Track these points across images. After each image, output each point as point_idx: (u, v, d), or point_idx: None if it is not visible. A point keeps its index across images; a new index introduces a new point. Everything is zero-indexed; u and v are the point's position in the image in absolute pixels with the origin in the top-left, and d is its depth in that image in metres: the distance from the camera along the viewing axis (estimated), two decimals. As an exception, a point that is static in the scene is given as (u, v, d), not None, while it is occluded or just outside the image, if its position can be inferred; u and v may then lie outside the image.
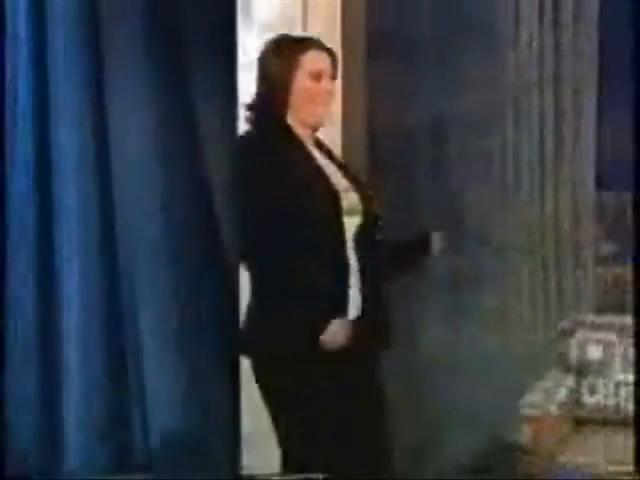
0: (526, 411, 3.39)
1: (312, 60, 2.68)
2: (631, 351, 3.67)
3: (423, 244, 2.84)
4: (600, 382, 3.70)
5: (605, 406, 3.69)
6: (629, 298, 4.72)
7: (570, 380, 3.70)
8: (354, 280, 2.66)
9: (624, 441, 3.43)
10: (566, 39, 4.26)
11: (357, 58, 3.68)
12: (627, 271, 4.85)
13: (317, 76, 2.66)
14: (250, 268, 2.67)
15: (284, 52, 2.69)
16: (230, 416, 3.78)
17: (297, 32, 3.55)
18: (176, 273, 4.08)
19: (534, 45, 4.25)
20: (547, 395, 3.54)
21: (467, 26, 4.23)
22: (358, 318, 2.66)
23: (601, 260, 4.85)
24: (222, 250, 3.96)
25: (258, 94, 2.70)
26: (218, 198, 3.97)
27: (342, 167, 2.77)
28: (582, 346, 3.76)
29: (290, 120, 2.69)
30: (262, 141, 2.66)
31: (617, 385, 3.69)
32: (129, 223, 4.11)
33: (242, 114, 2.77)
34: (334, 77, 2.72)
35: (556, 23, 4.26)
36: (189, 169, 4.04)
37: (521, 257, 4.28)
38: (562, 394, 3.60)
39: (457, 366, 4.11)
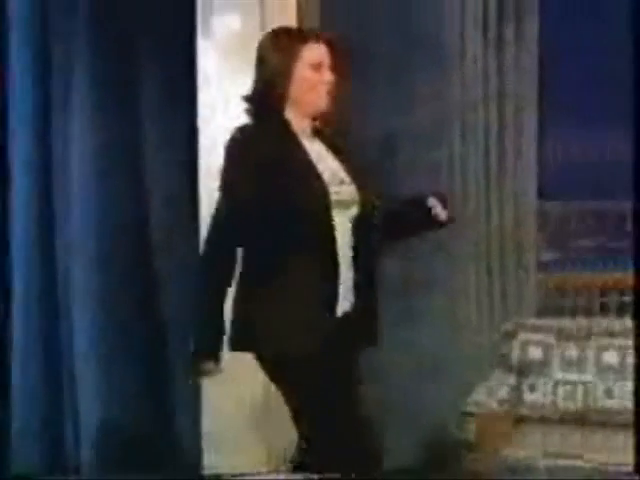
0: (471, 409, 3.41)
1: (311, 51, 2.63)
2: (568, 352, 3.73)
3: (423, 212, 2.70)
4: (540, 381, 3.71)
5: (544, 404, 3.69)
6: (568, 302, 4.81)
7: (512, 379, 3.71)
8: (346, 273, 2.59)
9: (561, 436, 3.50)
10: (509, 56, 4.31)
11: None
12: (566, 276, 4.96)
13: (317, 67, 2.62)
14: (242, 261, 2.60)
15: (283, 44, 2.64)
16: (192, 416, 3.73)
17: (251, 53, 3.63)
18: (109, 278, 3.98)
19: (479, 62, 4.29)
20: (490, 394, 3.55)
21: (416, 43, 4.25)
22: (348, 314, 2.60)
23: (542, 266, 4.96)
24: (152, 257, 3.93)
25: (256, 86, 2.64)
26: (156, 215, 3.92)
27: (342, 156, 2.69)
28: (523, 347, 3.77)
29: (289, 111, 2.63)
30: (256, 133, 2.60)
31: (555, 384, 3.71)
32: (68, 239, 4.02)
33: (241, 106, 2.67)
34: (333, 68, 2.66)
35: (499, 40, 4.31)
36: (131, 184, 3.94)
37: (468, 263, 4.31)
38: (504, 393, 3.62)
39: (408, 365, 4.12)
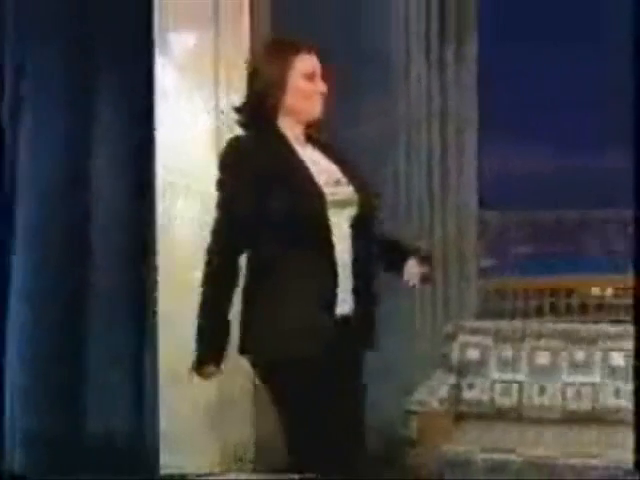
0: (413, 407, 3.40)
1: (304, 61, 2.58)
2: (504, 352, 3.75)
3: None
4: (478, 380, 3.72)
5: (481, 401, 3.71)
6: (508, 305, 4.88)
7: (452, 379, 3.72)
8: (344, 276, 2.52)
9: (497, 432, 3.53)
10: (450, 76, 4.33)
11: None
12: (505, 280, 5.04)
13: (310, 76, 2.58)
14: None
15: (278, 54, 2.59)
16: (150, 417, 3.64)
17: (207, 68, 3.57)
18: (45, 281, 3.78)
19: (422, 82, 4.30)
20: (431, 392, 3.56)
21: (363, 61, 4.21)
22: (348, 317, 2.53)
23: (482, 272, 5.02)
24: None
25: (249, 97, 2.58)
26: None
27: (338, 160, 2.64)
28: (463, 348, 3.79)
29: (282, 119, 2.58)
30: (251, 143, 2.55)
31: (492, 383, 3.72)
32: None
33: (233, 117, 2.62)
34: (324, 78, 2.61)
35: (441, 61, 4.32)
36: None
37: None
38: (444, 391, 3.62)
39: None
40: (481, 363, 3.76)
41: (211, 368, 2.52)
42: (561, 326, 3.90)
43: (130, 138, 3.73)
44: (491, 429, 3.56)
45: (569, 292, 4.79)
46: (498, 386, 3.72)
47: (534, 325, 3.91)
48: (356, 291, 2.53)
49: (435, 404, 3.45)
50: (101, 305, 3.76)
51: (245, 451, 3.52)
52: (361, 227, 2.55)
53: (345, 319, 2.52)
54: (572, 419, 3.63)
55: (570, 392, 3.66)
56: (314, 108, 2.58)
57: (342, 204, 2.53)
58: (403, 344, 4.14)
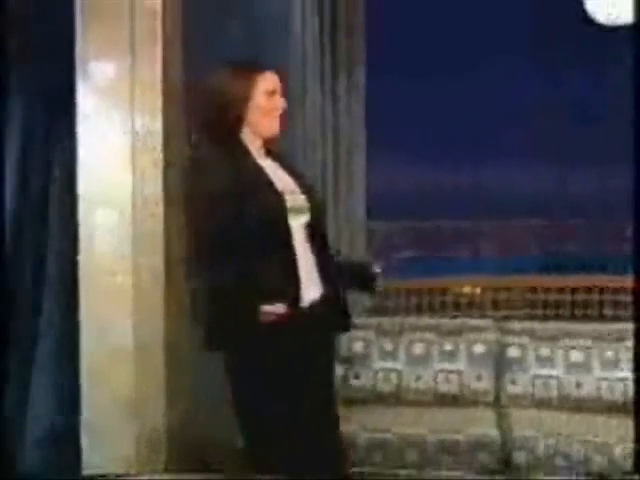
0: None
1: (266, 80, 2.57)
2: (385, 345, 3.87)
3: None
4: (362, 370, 3.83)
5: (365, 388, 3.81)
6: (392, 303, 5.04)
7: (340, 369, 3.78)
8: (307, 267, 2.52)
9: (378, 414, 3.63)
10: (342, 103, 4.51)
11: (178, 115, 3.59)
12: (390, 282, 5.19)
13: (271, 94, 2.56)
14: (205, 268, 2.52)
15: (243, 73, 2.56)
16: (71, 417, 3.54)
17: (125, 93, 3.59)
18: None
19: (317, 108, 4.46)
20: None
21: None
22: (318, 303, 2.53)
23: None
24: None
25: (211, 113, 2.54)
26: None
27: (291, 171, 2.66)
28: (349, 342, 3.87)
29: (244, 133, 2.55)
30: (216, 154, 2.51)
31: (375, 372, 3.82)
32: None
33: (192, 136, 2.62)
34: (282, 95, 2.61)
35: (334, 90, 4.52)
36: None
37: None
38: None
39: None
40: (365, 355, 3.85)
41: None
42: (433, 321, 4.06)
43: (55, 155, 3.74)
44: (373, 411, 3.66)
45: (444, 291, 5.00)
46: (380, 374, 3.82)
47: (411, 320, 4.04)
48: (324, 279, 2.55)
49: None
50: (23, 306, 3.72)
51: (159, 439, 3.53)
52: (313, 231, 2.59)
53: (316, 304, 2.53)
54: (442, 401, 3.78)
55: (440, 378, 3.81)
56: (273, 123, 2.59)
57: (298, 211, 2.55)
58: None
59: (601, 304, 4.66)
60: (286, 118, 2.63)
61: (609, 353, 3.77)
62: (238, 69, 2.58)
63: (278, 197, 2.51)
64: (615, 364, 3.76)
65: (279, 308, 2.45)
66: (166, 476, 3.40)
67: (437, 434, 3.41)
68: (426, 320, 4.10)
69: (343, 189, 4.55)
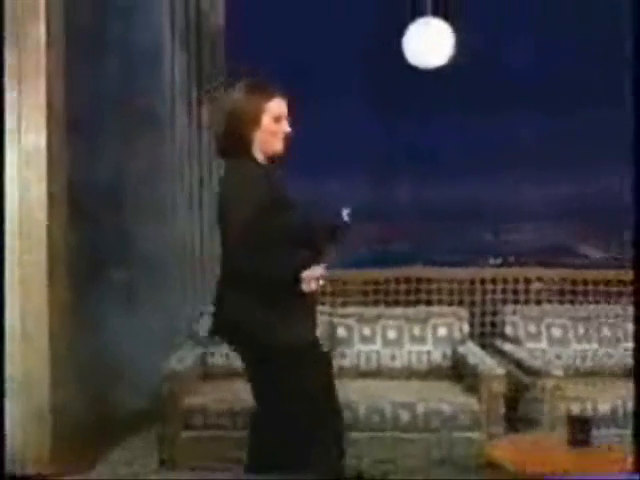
0: (165, 372, 3.44)
1: (275, 106, 2.49)
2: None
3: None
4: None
5: (222, 365, 3.82)
6: None
7: (199, 349, 3.83)
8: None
9: (235, 387, 3.49)
10: (205, 126, 4.52)
11: (60, 136, 3.65)
12: None
13: (278, 119, 2.49)
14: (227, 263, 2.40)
15: (255, 99, 2.46)
16: None
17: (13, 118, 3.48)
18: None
19: (185, 130, 4.48)
20: (180, 360, 3.61)
21: (140, 115, 4.39)
22: None
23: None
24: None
25: (227, 130, 2.46)
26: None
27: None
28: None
29: (253, 149, 2.48)
30: (238, 169, 2.43)
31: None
32: None
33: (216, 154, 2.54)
34: (288, 119, 2.53)
35: (199, 115, 4.51)
36: None
37: (179, 267, 4.46)
38: (191, 359, 3.70)
39: (126, 339, 4.18)
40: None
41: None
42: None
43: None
44: (231, 386, 3.58)
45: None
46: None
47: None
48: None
49: (182, 369, 3.50)
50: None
51: (42, 413, 3.51)
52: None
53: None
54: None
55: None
56: (278, 144, 2.51)
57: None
58: (166, 320, 4.28)
59: (417, 291, 4.87)
60: (289, 139, 2.56)
61: (416, 331, 3.99)
62: (251, 94, 2.48)
63: (293, 203, 2.46)
64: (421, 340, 3.98)
65: (318, 270, 2.36)
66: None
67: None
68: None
69: (206, 198, 4.55)
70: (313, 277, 2.35)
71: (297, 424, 2.40)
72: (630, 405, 3.46)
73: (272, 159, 2.54)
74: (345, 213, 2.48)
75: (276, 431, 2.42)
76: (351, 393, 3.50)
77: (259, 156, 2.50)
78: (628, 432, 3.36)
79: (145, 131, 4.40)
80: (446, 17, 4.34)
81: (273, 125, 2.48)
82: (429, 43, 4.14)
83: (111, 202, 4.35)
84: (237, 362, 3.57)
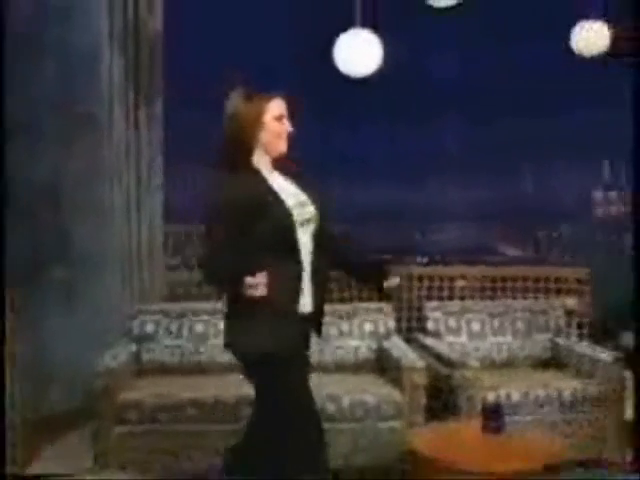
0: (99, 369, 3.33)
1: (276, 106, 2.41)
2: (170, 326, 3.77)
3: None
4: (153, 346, 3.75)
5: (155, 361, 3.75)
6: (184, 291, 4.97)
7: (133, 347, 3.72)
8: (308, 280, 2.35)
9: (167, 382, 3.51)
10: (143, 129, 4.38)
11: None
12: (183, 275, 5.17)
13: (280, 118, 2.41)
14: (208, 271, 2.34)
15: (255, 101, 2.39)
16: None
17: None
18: None
19: (122, 134, 4.35)
20: (114, 357, 3.51)
21: (79, 121, 4.24)
22: (308, 315, 2.37)
23: (171, 267, 5.18)
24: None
25: (228, 137, 2.37)
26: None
27: (300, 183, 2.46)
28: (142, 324, 3.78)
29: (257, 153, 2.39)
30: (232, 176, 2.34)
31: (163, 348, 3.75)
32: None
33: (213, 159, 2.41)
34: (289, 119, 2.44)
35: (136, 118, 4.38)
36: None
37: (116, 266, 4.33)
38: (125, 356, 3.59)
39: (65, 337, 4.07)
40: (155, 333, 3.78)
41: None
42: (212, 305, 3.93)
43: None
44: (163, 380, 3.57)
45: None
46: (166, 350, 3.76)
47: (195, 305, 3.96)
48: (315, 294, 2.38)
49: (116, 366, 3.41)
50: None
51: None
52: (319, 237, 2.41)
53: (306, 317, 2.38)
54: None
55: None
56: (282, 144, 2.43)
57: (307, 221, 2.39)
58: (104, 319, 4.17)
59: (348, 288, 4.83)
60: (291, 139, 2.47)
61: (344, 326, 3.91)
62: (250, 98, 2.41)
63: (286, 212, 2.34)
64: (349, 335, 3.90)
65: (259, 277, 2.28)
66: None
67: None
68: (205, 304, 3.98)
69: (144, 199, 4.45)
70: (255, 283, 2.28)
71: (282, 429, 2.35)
72: (541, 393, 3.51)
73: (276, 162, 2.45)
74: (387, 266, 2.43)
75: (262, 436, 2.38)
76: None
77: (261, 162, 2.40)
78: (539, 418, 3.46)
79: (84, 133, 4.27)
80: (375, 28, 4.31)
81: (276, 125, 2.40)
82: (358, 53, 4.10)
83: (50, 203, 4.21)
84: (170, 359, 3.73)
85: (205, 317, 3.85)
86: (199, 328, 3.83)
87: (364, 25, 4.21)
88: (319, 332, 2.49)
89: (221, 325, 3.52)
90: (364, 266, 2.51)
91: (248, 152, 2.38)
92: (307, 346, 2.47)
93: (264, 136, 2.39)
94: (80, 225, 4.26)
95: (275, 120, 2.40)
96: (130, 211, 4.40)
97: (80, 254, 4.29)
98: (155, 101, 4.47)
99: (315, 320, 2.44)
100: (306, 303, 2.37)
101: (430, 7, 4.27)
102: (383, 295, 2.66)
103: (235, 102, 2.39)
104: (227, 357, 3.53)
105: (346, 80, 4.28)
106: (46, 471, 3.36)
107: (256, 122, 2.37)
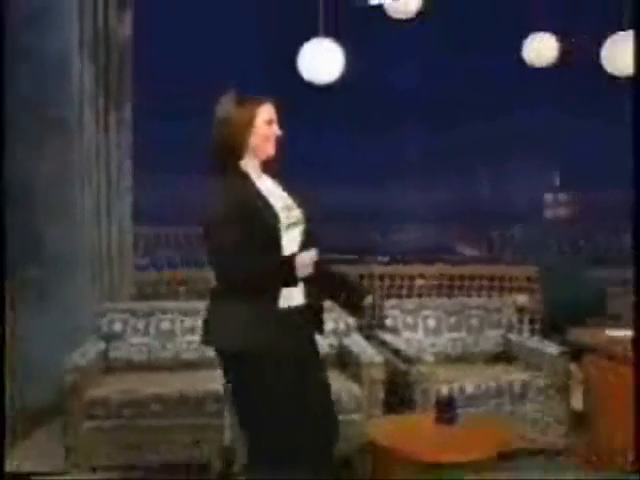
0: (67, 366, 3.32)
1: (266, 110, 2.38)
2: (137, 324, 3.76)
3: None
4: (120, 344, 3.76)
5: (123, 359, 3.73)
6: (154, 290, 4.97)
7: (102, 344, 3.71)
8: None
9: (135, 378, 3.52)
10: (112, 133, 4.38)
11: None
12: (156, 274, 5.20)
13: (269, 122, 2.38)
14: (215, 269, 2.29)
15: (247, 105, 2.35)
16: None
17: None
18: None
19: (93, 137, 4.34)
20: (83, 355, 3.50)
21: (49, 124, 4.17)
22: (301, 308, 2.34)
23: (140, 267, 5.18)
24: None
25: (218, 141, 2.33)
26: None
27: (287, 187, 2.45)
28: (110, 322, 3.79)
29: (246, 156, 2.36)
30: (224, 190, 2.30)
31: (130, 346, 3.76)
32: None
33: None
34: (278, 123, 2.42)
35: (106, 123, 4.39)
36: None
37: (87, 266, 4.30)
38: (94, 353, 3.59)
39: (36, 336, 4.04)
40: (123, 332, 3.79)
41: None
42: (179, 304, 4.02)
43: None
44: (130, 377, 3.59)
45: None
46: (134, 348, 3.77)
47: (163, 304, 3.97)
48: (307, 287, 2.34)
49: (84, 363, 3.40)
50: None
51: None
52: (307, 237, 2.40)
53: (300, 309, 2.34)
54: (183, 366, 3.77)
55: (186, 346, 3.82)
56: (270, 147, 2.40)
57: (294, 224, 2.38)
58: (74, 318, 4.12)
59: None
60: (279, 143, 2.44)
61: (188, 323, 3.81)
62: (241, 102, 2.37)
63: (274, 216, 2.32)
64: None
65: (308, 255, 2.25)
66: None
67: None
68: (172, 303, 4.03)
69: (114, 202, 4.46)
70: (305, 262, 2.27)
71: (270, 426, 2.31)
72: (493, 385, 3.61)
73: (264, 165, 2.44)
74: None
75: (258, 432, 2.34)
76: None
77: (250, 166, 2.39)
78: (492, 409, 3.56)
79: (55, 136, 4.23)
80: (337, 37, 4.38)
81: (266, 128, 2.38)
82: (321, 61, 4.18)
83: (22, 204, 4.14)
84: (137, 356, 3.74)
85: (172, 315, 3.86)
86: (166, 326, 3.84)
87: (327, 34, 4.30)
88: (320, 330, 2.47)
89: (187, 323, 3.81)
90: (346, 292, 2.43)
91: (238, 156, 2.37)
92: (301, 343, 2.40)
93: (254, 140, 2.38)
94: (52, 226, 4.22)
95: (265, 124, 2.39)
96: (100, 213, 4.40)
97: (52, 255, 4.25)
98: (124, 106, 4.48)
99: (313, 316, 2.42)
100: (296, 298, 2.35)
101: (391, 18, 4.38)
102: (358, 313, 2.70)
103: (227, 106, 2.36)
104: (193, 354, 3.75)
105: (310, 87, 4.33)
106: (21, 469, 3.34)
107: (248, 126, 2.35)
